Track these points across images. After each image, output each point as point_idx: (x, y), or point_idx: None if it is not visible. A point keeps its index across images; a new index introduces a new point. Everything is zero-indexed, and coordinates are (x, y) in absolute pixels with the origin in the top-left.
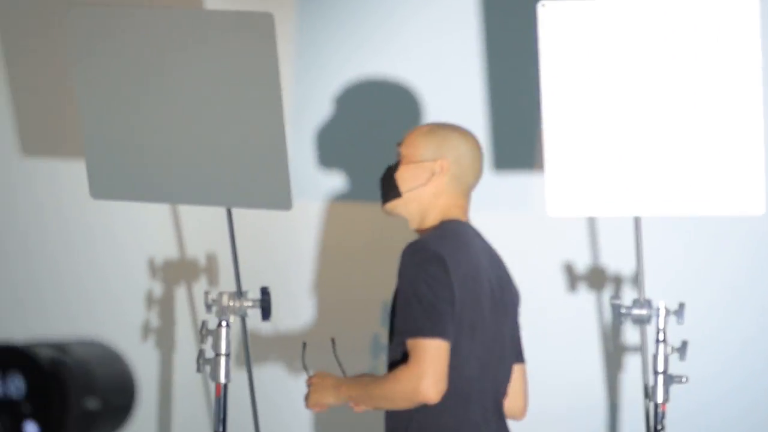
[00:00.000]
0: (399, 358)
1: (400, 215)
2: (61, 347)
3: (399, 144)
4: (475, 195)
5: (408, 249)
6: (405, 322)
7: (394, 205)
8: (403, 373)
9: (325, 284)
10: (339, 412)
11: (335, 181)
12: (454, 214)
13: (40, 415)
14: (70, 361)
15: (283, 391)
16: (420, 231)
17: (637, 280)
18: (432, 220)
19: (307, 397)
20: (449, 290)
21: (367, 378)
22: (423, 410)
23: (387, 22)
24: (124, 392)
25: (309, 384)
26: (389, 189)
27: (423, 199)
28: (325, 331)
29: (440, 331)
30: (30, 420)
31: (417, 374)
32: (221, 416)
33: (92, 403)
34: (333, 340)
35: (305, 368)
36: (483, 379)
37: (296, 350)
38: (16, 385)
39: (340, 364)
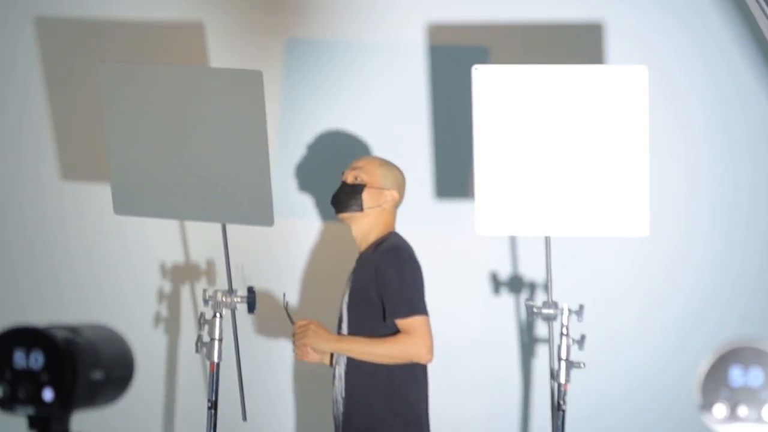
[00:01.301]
0: (380, 331)
1: (350, 224)
2: (73, 329)
3: (351, 168)
4: (419, 216)
5: (388, 252)
6: (400, 304)
7: (352, 216)
8: (408, 339)
9: (302, 285)
10: (317, 381)
11: (309, 204)
12: (391, 228)
13: (55, 383)
14: (81, 341)
15: (264, 368)
16: (364, 241)
17: (546, 286)
18: (375, 233)
19: (297, 340)
20: (421, 277)
21: (365, 339)
22: (399, 369)
23: (353, 73)
24: (125, 366)
25: (301, 329)
26: (352, 202)
27: (373, 218)
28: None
29: (425, 309)
30: (47, 387)
31: (421, 342)
32: (214, 387)
33: (98, 375)
34: (284, 295)
35: (290, 317)
36: None
37: (276, 337)
38: (36, 359)
39: (290, 316)
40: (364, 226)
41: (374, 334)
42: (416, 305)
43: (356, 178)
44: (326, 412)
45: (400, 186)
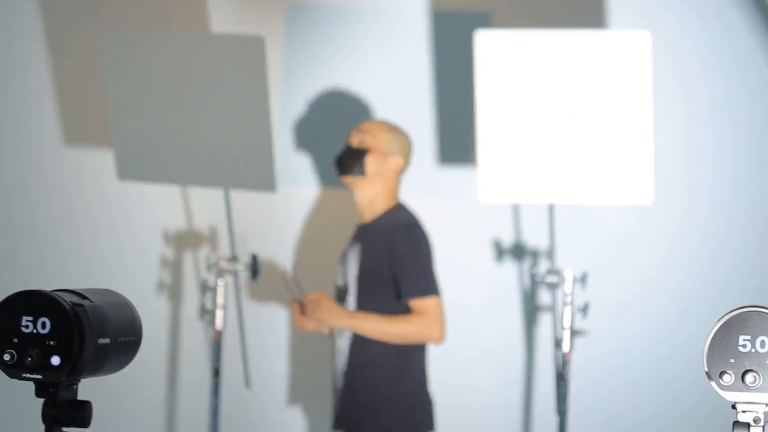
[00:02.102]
0: (390, 310)
1: (353, 189)
2: (81, 294)
3: (357, 130)
4: (423, 183)
5: (405, 230)
6: (416, 284)
7: (355, 180)
8: (423, 320)
9: (304, 251)
10: (320, 349)
11: (311, 170)
12: (396, 198)
13: (63, 349)
14: (88, 306)
15: (267, 335)
16: (368, 209)
17: (550, 253)
18: (381, 203)
19: (303, 313)
20: (433, 258)
21: (378, 317)
22: (405, 349)
23: (354, 40)
24: (133, 332)
25: (313, 304)
26: (355, 166)
27: (377, 185)
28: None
29: (437, 289)
30: (55, 353)
31: (436, 324)
32: (217, 354)
33: (105, 340)
34: (292, 270)
35: (297, 287)
36: None
37: (280, 304)
38: (44, 324)
39: (296, 288)
40: (367, 193)
41: (383, 310)
42: (431, 285)
43: (361, 142)
44: (329, 380)
45: (406, 152)
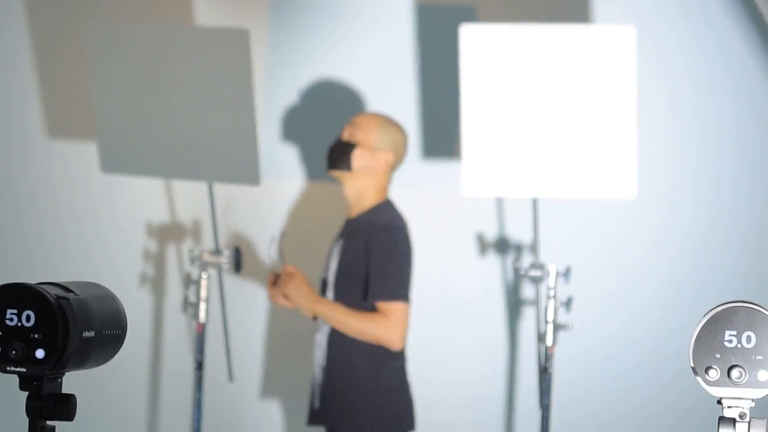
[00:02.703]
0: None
1: (342, 182)
2: (65, 287)
3: (349, 124)
4: (406, 177)
5: (383, 231)
6: (383, 287)
7: (342, 174)
8: (384, 323)
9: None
10: (304, 343)
11: (296, 163)
12: (386, 194)
13: (47, 342)
14: (73, 299)
15: (251, 328)
16: (356, 203)
17: (533, 247)
18: (369, 197)
19: (276, 287)
20: (411, 262)
21: (343, 308)
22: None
23: (339, 33)
24: (117, 325)
25: (287, 277)
26: (341, 160)
27: (365, 179)
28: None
29: (407, 296)
30: (39, 346)
31: (396, 329)
32: (200, 347)
33: (90, 333)
34: (281, 234)
35: (280, 256)
36: None
37: (263, 297)
38: (28, 317)
39: (279, 257)
40: (355, 187)
41: (359, 307)
42: (399, 290)
43: (351, 135)
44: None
45: (398, 148)
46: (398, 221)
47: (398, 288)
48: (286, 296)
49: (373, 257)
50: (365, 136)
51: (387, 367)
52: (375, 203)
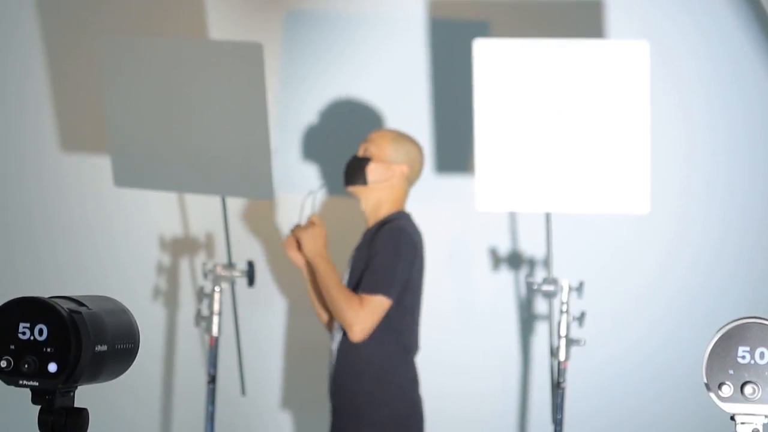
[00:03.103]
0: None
1: (358, 198)
2: (78, 301)
3: (364, 140)
4: (420, 191)
5: (389, 231)
6: (370, 278)
7: (358, 189)
8: (356, 306)
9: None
10: (316, 357)
11: (311, 177)
12: (402, 206)
13: (59, 356)
14: (86, 313)
15: (263, 342)
16: (372, 216)
17: (546, 262)
18: (385, 209)
19: (297, 231)
20: (411, 267)
21: (336, 278)
22: (391, 357)
23: (353, 47)
24: (130, 339)
25: (309, 224)
26: (357, 176)
27: (381, 192)
28: (297, 295)
29: (390, 293)
30: (51, 360)
31: (364, 320)
32: (213, 361)
33: (102, 347)
34: (321, 185)
35: (312, 211)
36: (417, 336)
37: (276, 311)
38: (41, 331)
39: (312, 211)
40: (372, 201)
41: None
42: (384, 286)
43: (365, 151)
44: (325, 387)
45: (414, 161)
46: (409, 228)
47: (384, 283)
48: (300, 240)
49: (374, 252)
50: (379, 150)
51: (397, 377)
52: (391, 213)
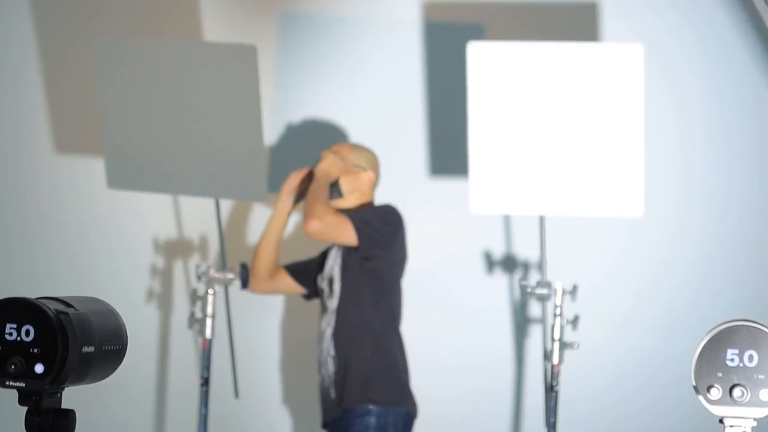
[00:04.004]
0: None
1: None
2: (65, 302)
3: (323, 159)
4: (413, 194)
5: (369, 205)
6: (354, 215)
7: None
8: (330, 210)
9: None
10: (309, 359)
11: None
12: None
13: (46, 357)
14: (73, 314)
15: (257, 345)
16: None
17: (540, 265)
18: None
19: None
20: (395, 235)
21: (324, 195)
22: (387, 326)
23: (347, 50)
24: (117, 340)
25: (330, 153)
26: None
27: (355, 202)
28: (291, 298)
29: (360, 228)
30: (38, 361)
31: (327, 218)
32: (207, 363)
33: (90, 349)
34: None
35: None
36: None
37: (269, 313)
38: (27, 332)
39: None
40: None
41: (367, 297)
42: (361, 223)
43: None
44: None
45: (375, 166)
46: (390, 205)
47: (363, 222)
48: (324, 160)
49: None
50: (345, 159)
51: (392, 347)
52: None
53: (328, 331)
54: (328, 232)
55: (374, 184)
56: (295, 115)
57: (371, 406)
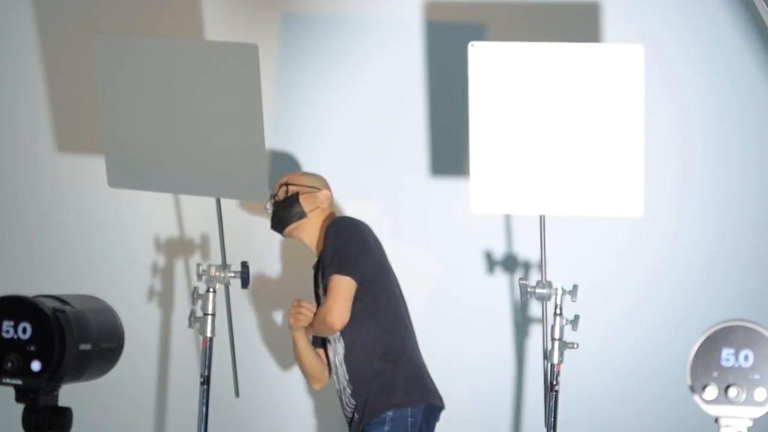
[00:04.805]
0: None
1: (300, 236)
2: (62, 300)
3: (276, 189)
4: (414, 194)
5: (326, 229)
6: (332, 263)
7: (299, 225)
8: (325, 303)
9: (291, 258)
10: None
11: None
12: None
13: (43, 354)
14: (70, 311)
15: (257, 343)
16: (317, 245)
17: (540, 265)
18: (323, 231)
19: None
20: (364, 245)
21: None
22: (392, 332)
23: (349, 49)
24: (114, 338)
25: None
26: (293, 213)
27: (317, 220)
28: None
29: (352, 273)
30: (35, 358)
31: (334, 308)
32: (207, 362)
33: (86, 346)
34: None
35: None
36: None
37: (269, 312)
38: (24, 330)
39: None
40: (311, 231)
41: (363, 314)
42: (343, 266)
43: (287, 192)
44: (319, 389)
45: (327, 185)
46: (346, 217)
47: (342, 264)
48: (292, 317)
49: (324, 247)
50: (299, 185)
51: (401, 349)
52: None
53: (338, 359)
54: (344, 308)
55: (331, 201)
56: (296, 115)
57: (389, 412)
